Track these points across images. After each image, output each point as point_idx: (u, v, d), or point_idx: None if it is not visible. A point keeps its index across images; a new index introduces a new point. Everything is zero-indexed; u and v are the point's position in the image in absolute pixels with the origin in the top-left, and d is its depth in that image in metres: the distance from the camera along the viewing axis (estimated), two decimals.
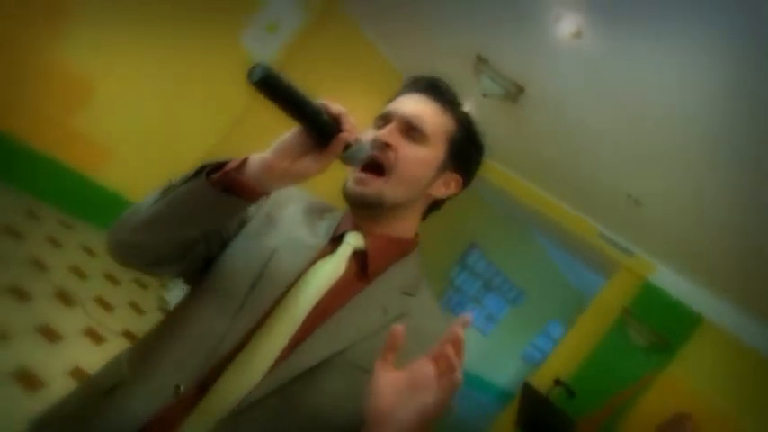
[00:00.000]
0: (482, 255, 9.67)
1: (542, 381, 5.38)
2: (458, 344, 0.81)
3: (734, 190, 3.54)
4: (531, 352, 12.35)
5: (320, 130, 0.95)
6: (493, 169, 6.80)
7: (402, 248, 1.15)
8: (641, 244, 5.81)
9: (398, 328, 0.87)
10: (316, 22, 5.32)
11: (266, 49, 5.18)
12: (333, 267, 1.09)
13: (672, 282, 5.69)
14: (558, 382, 5.10)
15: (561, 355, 5.92)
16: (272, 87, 0.89)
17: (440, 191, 1.18)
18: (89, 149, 4.70)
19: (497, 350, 11.74)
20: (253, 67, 0.87)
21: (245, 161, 0.98)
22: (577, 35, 3.02)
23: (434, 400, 0.79)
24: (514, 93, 4.17)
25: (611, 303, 5.88)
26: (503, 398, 8.83)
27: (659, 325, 5.49)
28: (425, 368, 0.83)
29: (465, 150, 1.20)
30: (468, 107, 5.55)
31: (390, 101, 1.20)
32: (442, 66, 4.79)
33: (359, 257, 1.11)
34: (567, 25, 3.00)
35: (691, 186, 3.90)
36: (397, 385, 0.84)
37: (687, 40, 2.62)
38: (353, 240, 1.12)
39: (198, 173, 0.98)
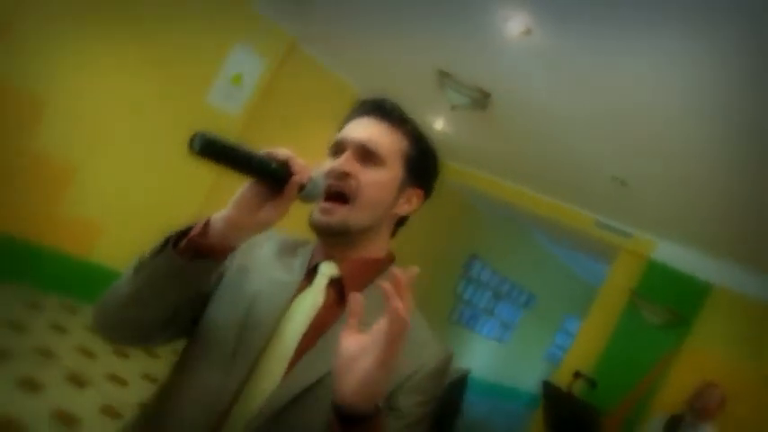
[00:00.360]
0: (484, 265, 9.67)
1: (564, 377, 5.35)
2: (396, 282, 0.84)
3: (716, 155, 3.59)
4: (553, 351, 12.29)
5: (272, 179, 0.98)
6: (479, 178, 6.86)
7: (376, 268, 1.18)
8: (637, 224, 5.85)
9: (356, 295, 0.91)
10: (278, 64, 5.40)
11: (234, 102, 5.26)
12: (312, 300, 1.11)
13: (674, 255, 5.71)
14: (577, 374, 5.07)
15: (579, 348, 5.91)
16: (214, 153, 0.92)
17: (403, 208, 1.21)
18: (79, 231, 4.75)
19: (519, 356, 11.69)
20: (191, 139, 0.90)
21: (207, 223, 1.01)
22: (527, 33, 3.09)
23: (387, 341, 0.83)
24: (481, 99, 4.23)
25: (619, 288, 5.88)
26: (533, 402, 8.76)
27: (670, 300, 5.49)
28: (383, 325, 0.86)
29: (421, 164, 1.22)
30: (440, 125, 5.64)
31: (341, 127, 1.22)
32: (408, 86, 4.86)
33: (336, 285, 1.14)
34: (515, 25, 3.07)
35: (673, 158, 3.95)
36: (360, 343, 0.88)
37: (635, 28, 2.70)
38: (327, 270, 1.15)
39: (166, 244, 1.01)
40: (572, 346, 6.18)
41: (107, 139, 4.66)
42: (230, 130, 5.15)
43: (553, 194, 6.29)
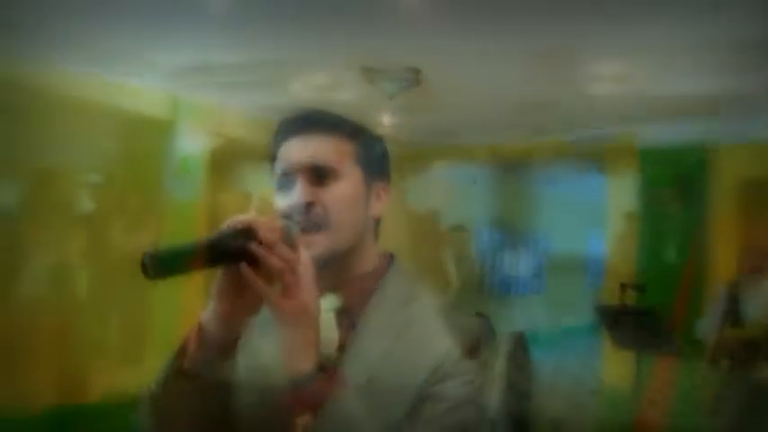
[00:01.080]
0: (490, 229, 9.64)
1: (611, 295, 5.29)
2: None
3: None
4: (593, 277, 12.23)
5: (244, 257, 0.89)
6: (449, 151, 6.85)
7: (375, 278, 1.11)
8: (612, 122, 5.78)
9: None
10: (216, 135, 5.38)
11: (191, 187, 5.24)
12: (327, 340, 1.04)
13: (660, 133, 5.64)
14: (623, 286, 5.00)
15: (613, 262, 5.87)
16: (173, 268, 0.84)
17: (377, 209, 1.13)
18: (99, 376, 4.66)
19: (563, 297, 11.62)
20: (143, 266, 0.81)
21: (200, 330, 0.94)
22: None
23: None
24: (413, 77, 4.20)
25: (623, 189, 5.83)
26: (595, 333, 8.74)
27: (677, 178, 5.44)
28: None
29: (374, 158, 1.14)
30: (387, 119, 5.60)
31: (273, 155, 1.13)
32: (344, 97, 4.85)
33: (344, 313, 1.08)
34: None
35: None
36: None
37: None
38: (328, 304, 1.07)
39: (169, 373, 0.96)
40: (605, 263, 6.13)
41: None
42: (196, 215, 5.16)
43: (523, 135, 6.25)
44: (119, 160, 4.83)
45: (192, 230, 4.64)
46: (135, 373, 3.63)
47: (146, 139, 5.02)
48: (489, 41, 3.80)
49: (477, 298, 8.93)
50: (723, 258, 4.59)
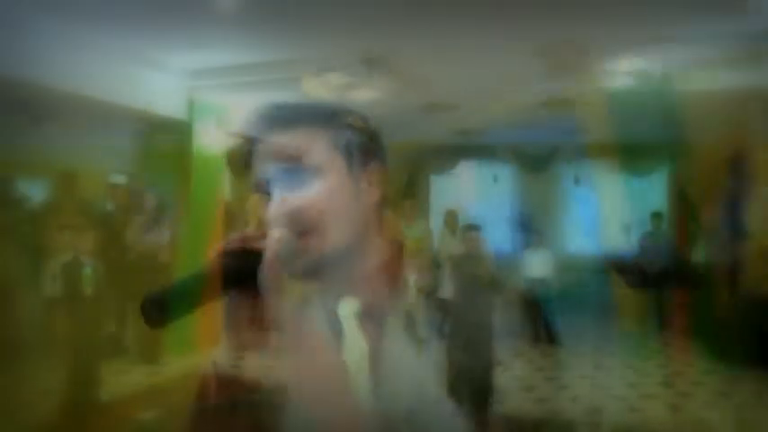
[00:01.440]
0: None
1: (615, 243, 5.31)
2: None
3: None
4: (587, 226, 12.28)
5: (245, 281, 0.82)
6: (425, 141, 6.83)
7: (389, 270, 1.02)
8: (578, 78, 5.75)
9: None
10: (233, 135, 5.46)
11: (210, 186, 5.36)
12: (356, 349, 0.95)
13: (624, 75, 5.60)
14: (626, 227, 5.01)
15: (609, 211, 5.86)
16: (176, 311, 0.77)
17: (372, 194, 1.01)
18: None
19: (575, 265, 11.64)
20: (144, 314, 0.75)
21: (217, 367, 0.91)
22: None
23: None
24: (373, 65, 4.16)
25: (605, 140, 5.81)
26: (607, 282, 8.80)
27: (655, 115, 5.42)
28: None
29: (356, 141, 1.01)
30: (351, 120, 5.58)
31: (248, 157, 1.01)
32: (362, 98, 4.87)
33: (367, 315, 0.97)
34: None
35: None
36: None
37: None
38: (347, 310, 0.97)
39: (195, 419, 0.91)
40: (603, 214, 6.13)
41: None
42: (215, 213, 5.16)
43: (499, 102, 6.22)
44: (137, 160, 4.97)
45: (211, 228, 4.68)
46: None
47: (164, 139, 5.08)
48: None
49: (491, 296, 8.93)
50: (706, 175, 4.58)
